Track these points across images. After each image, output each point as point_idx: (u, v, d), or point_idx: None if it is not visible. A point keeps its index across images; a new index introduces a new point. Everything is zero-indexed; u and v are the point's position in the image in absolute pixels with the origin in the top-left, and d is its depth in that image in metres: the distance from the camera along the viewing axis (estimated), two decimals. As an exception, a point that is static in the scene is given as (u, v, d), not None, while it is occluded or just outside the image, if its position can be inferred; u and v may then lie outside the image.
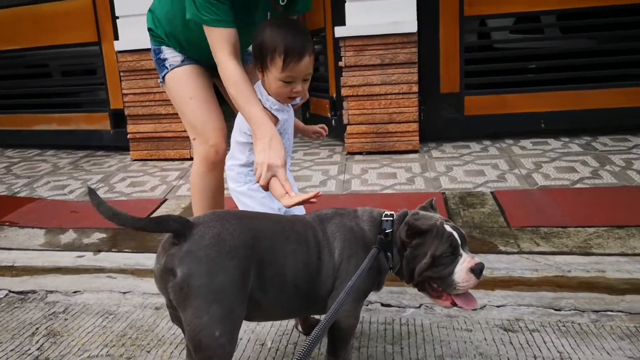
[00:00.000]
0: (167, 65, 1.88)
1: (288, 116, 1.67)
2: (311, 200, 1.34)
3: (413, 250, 1.30)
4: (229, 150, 1.74)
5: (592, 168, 2.95)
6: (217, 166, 1.85)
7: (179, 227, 1.18)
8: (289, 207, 1.39)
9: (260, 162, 1.45)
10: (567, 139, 3.54)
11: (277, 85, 1.56)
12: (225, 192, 1.87)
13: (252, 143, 1.54)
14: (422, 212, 1.37)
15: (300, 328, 1.68)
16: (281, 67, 1.51)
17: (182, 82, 1.86)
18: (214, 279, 1.14)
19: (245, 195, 1.65)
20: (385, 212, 1.38)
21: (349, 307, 1.31)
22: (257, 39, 1.56)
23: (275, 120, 1.60)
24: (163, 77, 1.92)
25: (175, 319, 1.27)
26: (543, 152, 3.30)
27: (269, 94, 1.59)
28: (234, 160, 1.68)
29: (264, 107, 1.57)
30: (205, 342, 1.13)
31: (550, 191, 2.71)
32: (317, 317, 1.66)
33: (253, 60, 1.63)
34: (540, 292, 1.83)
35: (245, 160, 1.66)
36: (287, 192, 1.40)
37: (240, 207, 1.68)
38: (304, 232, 1.33)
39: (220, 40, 1.60)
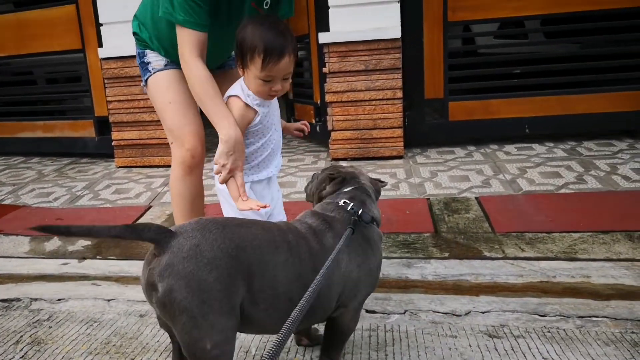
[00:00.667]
0: (150, 69, 1.89)
1: (270, 109, 1.67)
2: (260, 207, 1.44)
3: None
4: (208, 155, 1.73)
5: (576, 173, 2.99)
6: (193, 170, 1.85)
7: (154, 236, 1.14)
8: (241, 210, 1.47)
9: (222, 164, 1.52)
10: (551, 144, 3.58)
11: (257, 84, 1.57)
12: (207, 199, 1.87)
13: None
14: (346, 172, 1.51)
15: (304, 343, 1.61)
16: (260, 66, 1.51)
17: (163, 87, 1.87)
18: (195, 293, 1.10)
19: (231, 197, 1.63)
20: (338, 202, 1.40)
21: (357, 308, 1.38)
22: (238, 37, 1.56)
23: (254, 112, 1.61)
24: (146, 81, 1.92)
25: (164, 324, 1.23)
26: (528, 157, 3.33)
27: (249, 90, 1.60)
28: None
29: (244, 102, 1.59)
30: (199, 356, 1.12)
31: (535, 196, 2.73)
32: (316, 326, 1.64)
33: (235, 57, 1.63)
34: (525, 297, 1.84)
35: None
36: (240, 196, 1.49)
37: (225, 208, 1.68)
38: (296, 241, 1.27)
39: (190, 42, 1.63)
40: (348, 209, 1.37)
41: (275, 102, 1.71)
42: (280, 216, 1.79)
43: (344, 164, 3.56)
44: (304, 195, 2.95)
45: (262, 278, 1.19)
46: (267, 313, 1.21)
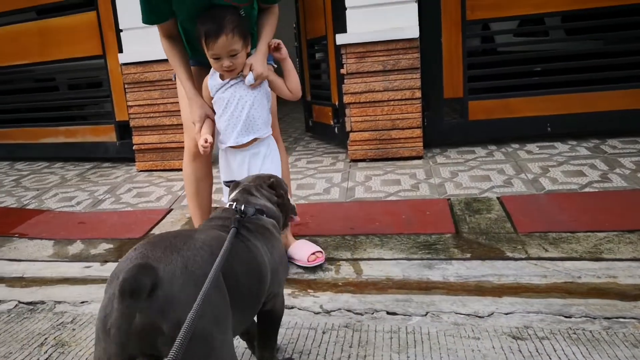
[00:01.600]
0: None
1: (234, 90, 1.96)
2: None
3: (283, 199, 1.55)
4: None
5: (601, 171, 2.93)
6: (198, 156, 2.15)
7: (147, 282, 0.97)
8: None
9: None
10: (574, 143, 3.51)
11: (211, 62, 1.93)
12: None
13: None
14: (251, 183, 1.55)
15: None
16: (206, 47, 1.88)
17: (181, 86, 2.13)
18: (208, 316, 1.02)
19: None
20: (232, 204, 1.43)
21: (282, 293, 1.45)
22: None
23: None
24: (174, 75, 2.18)
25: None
26: (550, 156, 3.28)
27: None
28: None
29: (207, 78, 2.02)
30: None
31: (558, 196, 2.68)
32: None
33: None
34: (549, 298, 1.81)
35: None
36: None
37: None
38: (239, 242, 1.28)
39: (160, 30, 2.05)
40: (232, 208, 1.40)
41: (241, 88, 1.96)
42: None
43: (362, 164, 3.55)
44: (323, 197, 2.97)
45: (228, 279, 1.15)
46: (240, 313, 1.19)
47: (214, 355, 1.03)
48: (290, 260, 2.20)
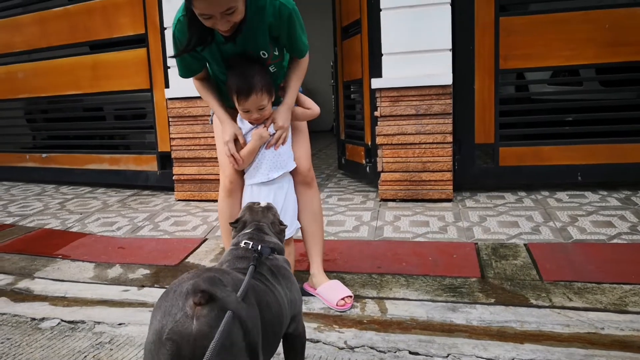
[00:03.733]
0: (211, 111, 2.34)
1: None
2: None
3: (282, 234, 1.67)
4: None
5: (630, 223, 2.93)
6: (232, 194, 2.29)
7: (216, 287, 1.12)
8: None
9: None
10: (605, 193, 3.52)
11: (240, 113, 2.15)
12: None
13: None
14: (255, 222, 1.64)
15: None
16: (237, 102, 2.06)
17: (217, 127, 2.29)
18: (251, 332, 1.15)
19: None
20: (246, 242, 1.51)
21: (301, 319, 1.54)
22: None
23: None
24: (211, 120, 2.38)
25: None
26: (579, 205, 3.30)
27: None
28: None
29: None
30: None
31: (585, 245, 2.70)
32: None
33: None
34: (570, 348, 1.83)
35: None
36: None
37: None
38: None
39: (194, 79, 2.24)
40: (249, 248, 1.48)
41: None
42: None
43: (392, 204, 3.63)
44: (352, 234, 3.05)
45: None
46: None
47: None
48: (319, 296, 2.30)
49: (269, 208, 1.68)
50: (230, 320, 1.07)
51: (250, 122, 2.17)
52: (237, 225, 1.64)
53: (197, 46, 1.99)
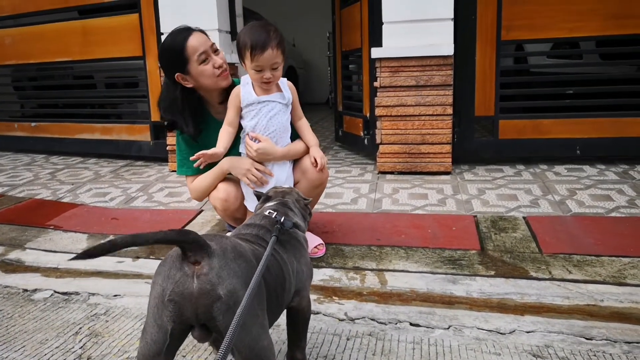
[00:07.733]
0: None
1: (261, 105, 2.14)
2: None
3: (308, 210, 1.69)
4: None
5: (628, 197, 2.92)
6: (226, 212, 2.37)
7: (198, 239, 1.09)
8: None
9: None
10: (603, 167, 3.51)
11: (251, 73, 2.07)
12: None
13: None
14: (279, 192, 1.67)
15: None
16: (250, 58, 1.99)
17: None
18: (258, 298, 1.15)
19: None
20: (264, 212, 1.52)
21: (308, 295, 1.50)
22: (237, 39, 2.05)
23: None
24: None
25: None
26: (578, 179, 3.28)
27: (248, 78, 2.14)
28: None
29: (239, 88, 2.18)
30: (262, 355, 1.14)
31: (584, 219, 2.69)
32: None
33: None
34: (571, 319, 1.82)
35: None
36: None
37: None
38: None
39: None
40: (273, 217, 1.48)
41: (271, 108, 2.16)
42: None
43: (390, 177, 3.60)
44: (350, 207, 3.02)
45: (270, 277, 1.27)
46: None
47: (256, 330, 1.13)
48: None
49: (291, 188, 1.71)
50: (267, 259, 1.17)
51: (261, 86, 2.12)
52: (262, 196, 1.66)
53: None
